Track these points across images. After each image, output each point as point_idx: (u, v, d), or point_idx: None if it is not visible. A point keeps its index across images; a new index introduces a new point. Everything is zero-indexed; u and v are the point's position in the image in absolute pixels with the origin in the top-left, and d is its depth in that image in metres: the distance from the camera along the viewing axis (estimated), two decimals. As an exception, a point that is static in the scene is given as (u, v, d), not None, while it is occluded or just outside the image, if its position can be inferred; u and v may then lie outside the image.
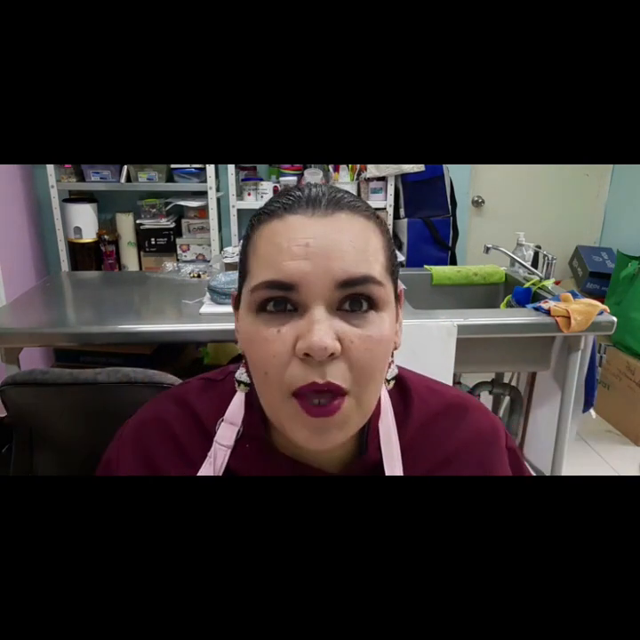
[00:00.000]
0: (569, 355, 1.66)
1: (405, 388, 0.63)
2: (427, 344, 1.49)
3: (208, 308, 1.59)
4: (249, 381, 0.58)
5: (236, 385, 0.61)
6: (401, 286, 0.56)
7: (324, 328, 0.47)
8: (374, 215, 0.54)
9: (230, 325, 1.47)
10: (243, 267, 0.54)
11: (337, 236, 0.49)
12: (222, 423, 0.59)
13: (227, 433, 0.59)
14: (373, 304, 0.50)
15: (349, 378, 0.49)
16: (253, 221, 0.54)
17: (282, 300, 0.49)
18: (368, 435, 0.58)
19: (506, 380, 2.11)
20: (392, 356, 0.58)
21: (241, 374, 0.60)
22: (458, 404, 0.64)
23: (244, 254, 0.54)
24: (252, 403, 0.59)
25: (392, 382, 0.61)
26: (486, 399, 2.16)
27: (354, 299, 0.49)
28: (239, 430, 0.59)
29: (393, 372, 0.61)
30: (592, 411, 1.85)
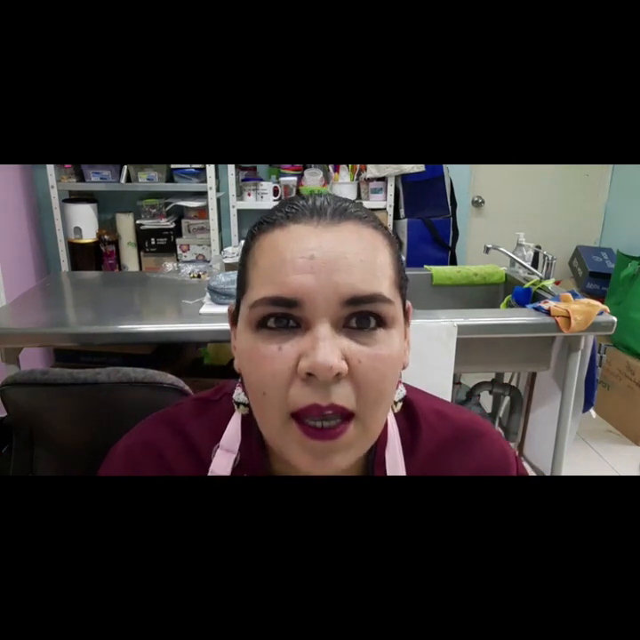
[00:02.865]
0: (569, 355, 1.66)
1: (413, 413, 0.59)
2: (427, 344, 1.49)
3: (208, 308, 1.59)
4: (248, 402, 0.54)
5: (235, 406, 0.57)
6: (409, 303, 0.53)
7: (329, 346, 0.44)
8: (382, 226, 0.51)
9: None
10: (241, 280, 0.51)
11: (344, 248, 0.46)
12: (218, 450, 0.56)
13: (222, 461, 0.55)
14: (382, 321, 0.47)
15: (355, 400, 0.46)
16: (253, 231, 0.50)
17: (283, 317, 0.46)
18: (374, 465, 0.55)
19: (506, 380, 2.12)
20: (400, 377, 0.54)
21: (239, 395, 0.56)
22: (468, 430, 0.60)
23: (243, 266, 0.50)
24: (250, 427, 0.55)
25: (399, 404, 0.57)
26: (486, 399, 2.16)
27: (361, 315, 0.46)
28: (236, 458, 0.55)
29: (400, 393, 0.57)
30: (592, 410, 1.85)
